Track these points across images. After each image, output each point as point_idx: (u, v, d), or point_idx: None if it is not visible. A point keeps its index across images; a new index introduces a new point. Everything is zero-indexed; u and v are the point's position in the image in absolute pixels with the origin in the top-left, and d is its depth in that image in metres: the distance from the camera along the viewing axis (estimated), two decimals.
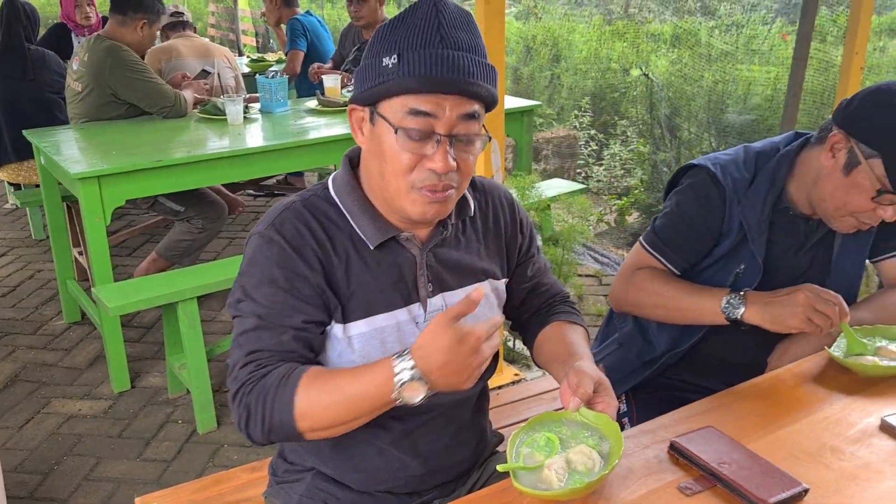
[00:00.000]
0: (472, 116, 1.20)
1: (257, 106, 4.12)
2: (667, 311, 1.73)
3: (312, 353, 1.26)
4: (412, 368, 1.10)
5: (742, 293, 1.61)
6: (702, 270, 1.77)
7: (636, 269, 1.78)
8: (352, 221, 1.30)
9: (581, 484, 1.14)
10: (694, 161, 1.79)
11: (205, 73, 4.32)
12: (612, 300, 1.86)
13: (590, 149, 7.18)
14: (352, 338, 1.28)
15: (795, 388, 1.52)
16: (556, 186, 4.11)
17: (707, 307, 1.64)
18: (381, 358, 1.28)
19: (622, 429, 1.65)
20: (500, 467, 1.15)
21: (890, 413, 1.38)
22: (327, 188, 1.34)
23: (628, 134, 6.78)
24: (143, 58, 4.01)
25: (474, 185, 1.45)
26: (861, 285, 1.81)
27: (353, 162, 1.36)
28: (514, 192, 2.51)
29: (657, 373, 1.86)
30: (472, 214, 1.40)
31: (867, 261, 1.79)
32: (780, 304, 1.56)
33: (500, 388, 2.53)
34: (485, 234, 1.43)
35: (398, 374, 1.10)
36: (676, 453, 1.30)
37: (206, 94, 4.20)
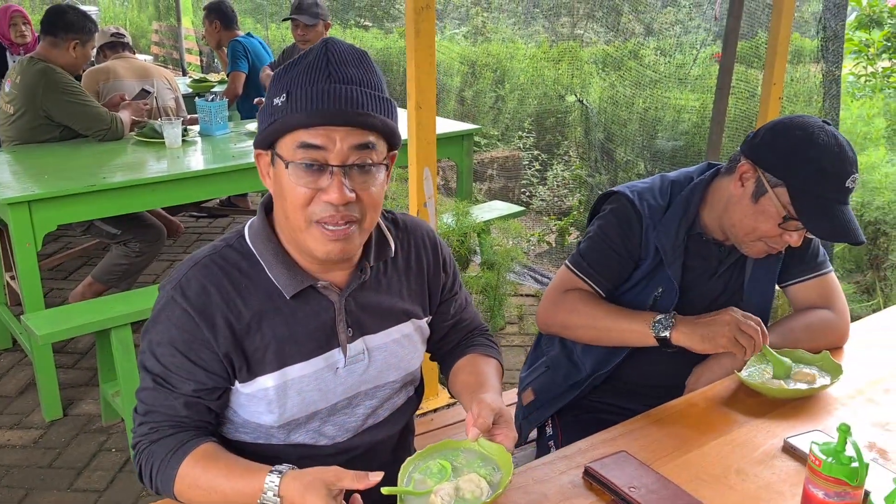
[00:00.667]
0: (366, 147, 1.20)
1: (197, 128, 4.10)
2: (597, 331, 1.77)
3: (207, 415, 1.29)
4: (276, 496, 1.14)
5: (671, 315, 1.68)
6: (623, 293, 1.84)
7: (564, 291, 1.83)
8: (267, 271, 1.29)
9: None
10: (614, 188, 1.87)
11: (144, 93, 4.29)
12: (540, 322, 1.90)
13: (533, 169, 7.30)
14: (266, 391, 1.29)
15: (707, 412, 1.59)
16: (496, 208, 4.17)
17: (636, 328, 1.71)
18: (298, 408, 1.31)
19: (548, 451, 1.70)
20: (384, 490, 1.16)
21: (793, 434, 1.46)
22: (243, 237, 1.33)
23: (570, 155, 6.92)
24: (78, 78, 3.96)
25: (396, 225, 1.46)
26: (771, 310, 1.90)
27: (268, 209, 1.35)
28: (450, 218, 2.55)
29: (582, 395, 1.92)
30: (394, 255, 1.42)
31: (777, 286, 1.89)
32: (707, 325, 1.63)
33: (434, 411, 2.56)
34: (406, 274, 1.45)
35: (265, 493, 1.14)
36: (590, 478, 1.35)
37: (146, 115, 4.17)
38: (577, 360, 1.92)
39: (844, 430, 1.07)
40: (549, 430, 1.96)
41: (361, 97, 1.19)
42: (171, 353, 1.25)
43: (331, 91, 1.17)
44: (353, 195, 1.21)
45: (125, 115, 3.96)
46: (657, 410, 1.60)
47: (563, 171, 6.80)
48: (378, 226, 1.40)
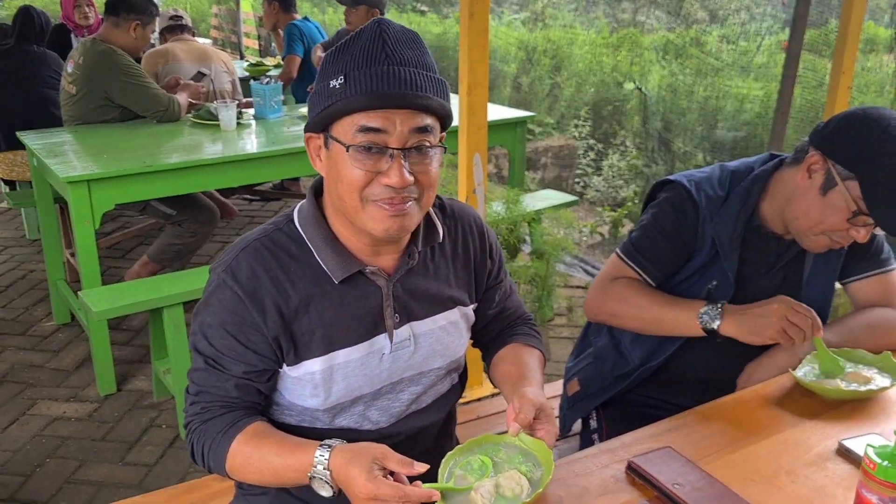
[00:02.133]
0: (424, 130, 1.19)
1: (251, 111, 4.14)
2: (643, 321, 1.74)
3: (257, 397, 1.30)
4: (325, 469, 1.14)
5: (719, 305, 1.63)
6: (675, 285, 1.79)
7: (612, 279, 1.79)
8: (316, 255, 1.29)
9: None
10: (670, 177, 1.82)
11: (200, 76, 4.35)
12: (587, 310, 1.87)
13: (588, 159, 7.20)
14: (313, 374, 1.29)
15: (758, 410, 1.53)
16: (548, 198, 4.12)
17: (683, 317, 1.67)
18: (344, 392, 1.30)
19: (591, 444, 1.66)
20: (425, 486, 1.14)
21: (848, 437, 1.39)
22: (292, 220, 1.33)
23: (627, 145, 6.80)
24: (138, 60, 4.04)
25: (443, 211, 1.44)
26: (831, 307, 1.82)
27: (318, 192, 1.35)
28: (500, 206, 2.52)
29: (629, 388, 1.87)
30: (441, 241, 1.40)
31: (837, 283, 1.81)
32: (755, 315, 1.59)
33: (478, 400, 2.54)
34: (454, 261, 1.43)
35: (314, 466, 1.15)
36: (633, 473, 1.31)
37: (202, 97, 4.23)
38: (626, 351, 1.88)
39: None
40: (593, 423, 1.92)
41: (419, 79, 1.18)
42: (221, 336, 1.25)
43: (390, 73, 1.16)
44: (411, 178, 1.20)
45: (182, 98, 4.03)
46: (706, 407, 1.55)
47: (618, 161, 6.69)
48: (427, 211, 1.38)
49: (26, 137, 3.61)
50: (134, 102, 3.82)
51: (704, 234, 1.73)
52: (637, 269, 1.78)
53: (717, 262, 1.72)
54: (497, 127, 4.09)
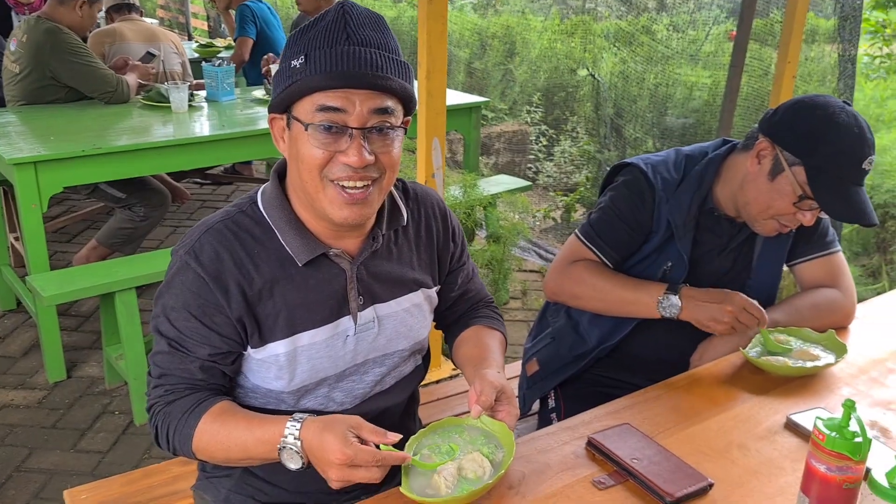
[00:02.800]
0: (384, 111, 1.20)
1: (203, 93, 4.07)
2: (604, 303, 1.79)
3: (222, 379, 1.29)
4: (296, 440, 1.13)
5: (677, 291, 1.69)
6: (632, 266, 1.84)
7: (572, 261, 1.84)
8: (280, 238, 1.29)
9: (465, 492, 1.17)
10: (628, 160, 1.86)
11: (150, 57, 4.26)
12: (548, 290, 1.91)
13: (540, 144, 7.26)
14: (277, 357, 1.29)
15: (710, 387, 1.58)
16: (503, 182, 4.15)
17: (643, 302, 1.73)
18: (308, 374, 1.31)
19: (550, 423, 1.70)
20: (413, 461, 1.17)
21: (796, 412, 1.46)
22: (255, 203, 1.32)
23: (578, 131, 6.87)
24: (84, 40, 3.93)
25: (407, 194, 1.45)
26: (778, 288, 1.89)
27: (281, 175, 1.35)
28: (457, 190, 2.54)
29: (587, 367, 1.92)
30: (405, 224, 1.41)
31: (784, 265, 1.88)
32: (710, 311, 1.65)
33: (437, 382, 2.57)
34: (417, 244, 1.44)
35: (285, 437, 1.14)
36: (593, 449, 1.35)
37: (152, 78, 4.14)
38: (583, 331, 1.93)
39: (849, 406, 1.06)
40: (551, 402, 1.96)
41: (381, 60, 1.18)
42: (185, 318, 1.25)
43: (350, 53, 1.16)
44: (371, 158, 1.20)
45: (131, 79, 3.94)
46: (661, 385, 1.60)
47: (570, 146, 6.76)
48: (390, 194, 1.39)
49: None
50: (81, 83, 3.73)
51: (660, 216, 1.78)
52: (595, 251, 1.82)
53: (672, 244, 1.78)
54: (452, 112, 4.08)
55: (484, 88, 8.09)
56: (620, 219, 1.80)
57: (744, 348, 1.65)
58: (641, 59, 4.26)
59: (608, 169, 1.93)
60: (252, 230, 1.29)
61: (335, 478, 1.10)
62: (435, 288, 1.49)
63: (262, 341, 1.28)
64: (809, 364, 1.61)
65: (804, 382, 1.60)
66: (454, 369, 2.62)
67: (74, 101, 3.80)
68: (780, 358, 1.62)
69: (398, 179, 1.46)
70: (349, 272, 1.33)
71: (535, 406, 2.04)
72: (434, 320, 1.61)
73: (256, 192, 1.35)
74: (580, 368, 1.91)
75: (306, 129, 1.18)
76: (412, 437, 1.27)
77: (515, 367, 2.29)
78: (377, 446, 1.14)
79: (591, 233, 1.83)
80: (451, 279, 1.53)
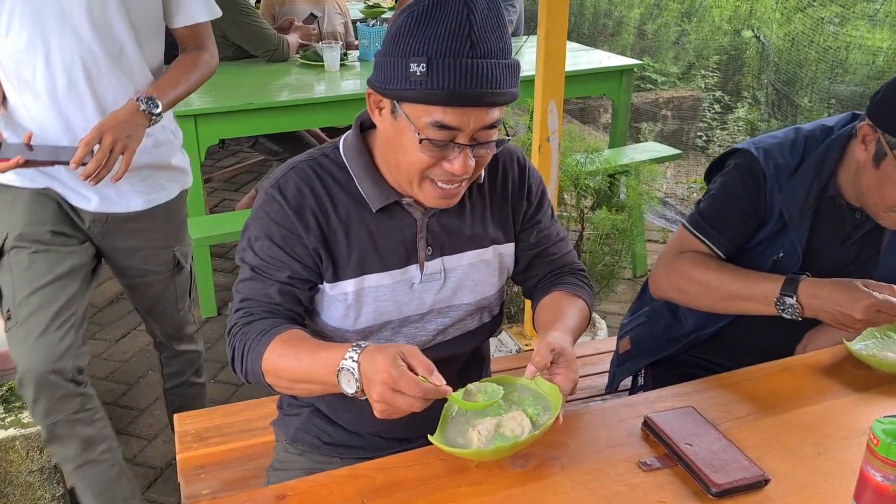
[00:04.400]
0: (493, 126, 1.22)
1: (357, 53, 4.21)
2: (713, 300, 1.63)
3: (298, 307, 1.34)
4: (354, 363, 1.13)
5: (795, 290, 1.50)
6: (741, 254, 1.69)
7: (679, 254, 1.70)
8: (357, 183, 1.34)
9: (492, 448, 1.15)
10: (738, 145, 1.70)
11: (312, 18, 4.45)
12: (653, 287, 1.75)
13: (713, 112, 6.86)
14: (346, 295, 1.34)
15: (801, 378, 1.46)
16: (650, 150, 3.98)
17: (759, 300, 1.55)
18: (373, 315, 1.35)
19: None
20: (450, 397, 1.14)
21: (890, 415, 1.31)
22: (338, 148, 1.38)
23: (758, 98, 6.41)
24: (258, 3, 4.19)
25: None
26: None
27: (365, 125, 1.38)
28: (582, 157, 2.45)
29: (681, 351, 1.82)
30: (482, 181, 1.42)
31: None
32: (838, 306, 1.45)
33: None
34: (492, 199, 1.44)
35: (344, 359, 1.14)
36: (648, 429, 1.29)
37: (313, 38, 4.34)
38: (682, 314, 1.81)
39: None
40: (640, 381, 1.89)
41: (501, 74, 1.18)
42: (268, 246, 1.32)
43: (474, 69, 1.15)
44: (473, 164, 1.24)
45: (293, 38, 4.15)
46: (746, 371, 1.49)
47: (746, 114, 6.33)
48: None
49: None
50: (246, 41, 3.98)
51: (773, 203, 1.61)
52: (706, 241, 1.66)
53: (786, 233, 1.61)
54: (600, 75, 3.98)
55: (655, 51, 7.73)
56: (733, 204, 1.64)
57: (849, 340, 1.50)
58: (811, 20, 3.87)
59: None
60: (333, 172, 1.35)
61: (377, 397, 1.10)
62: (509, 244, 1.47)
63: (335, 278, 1.34)
64: None
65: None
66: None
67: (241, 58, 4.07)
68: (890, 354, 1.46)
69: None
70: (420, 222, 1.36)
71: (626, 383, 1.97)
72: (517, 282, 1.60)
73: (340, 140, 1.40)
74: (672, 352, 1.81)
75: (419, 141, 1.20)
76: (475, 382, 1.26)
77: (612, 342, 2.21)
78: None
79: (700, 222, 1.68)
80: (524, 237, 1.50)
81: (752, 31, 4.80)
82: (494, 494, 1.15)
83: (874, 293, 1.44)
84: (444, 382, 1.11)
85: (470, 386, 1.24)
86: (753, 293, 1.56)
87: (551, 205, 1.57)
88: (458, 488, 1.17)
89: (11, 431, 1.94)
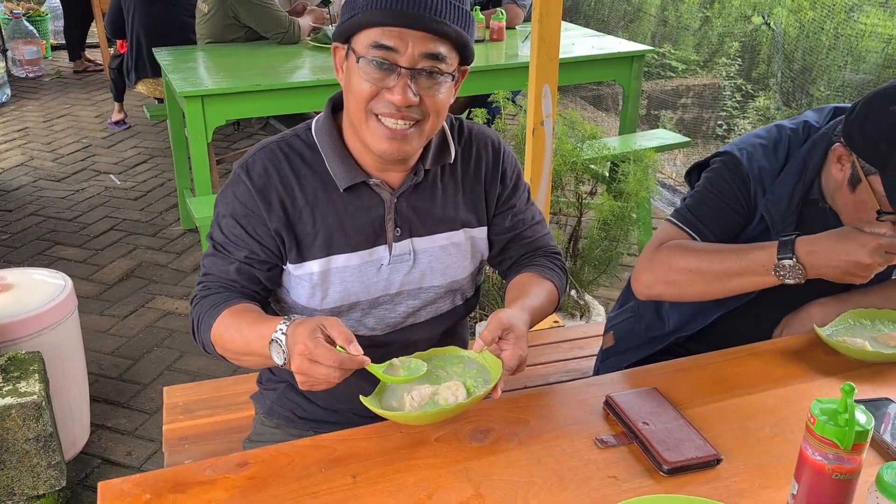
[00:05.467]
0: (436, 56, 1.23)
1: None
2: (706, 283, 1.53)
3: (255, 285, 1.37)
4: (282, 335, 1.17)
5: (792, 251, 1.43)
6: None
7: (660, 246, 1.62)
8: (326, 162, 1.36)
9: (414, 413, 1.18)
10: (722, 149, 1.66)
11: (325, 3, 4.48)
12: (637, 286, 1.64)
13: (734, 100, 6.78)
14: (311, 275, 1.37)
15: (769, 362, 1.46)
16: (658, 137, 3.96)
17: (757, 263, 1.47)
18: (340, 296, 1.37)
19: None
20: (368, 367, 1.17)
21: (860, 399, 1.31)
22: (310, 129, 1.40)
23: (771, 86, 6.32)
24: None
25: (461, 132, 1.46)
26: None
27: (337, 106, 1.40)
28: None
29: (663, 350, 1.76)
30: (453, 162, 1.43)
31: None
32: (842, 258, 1.39)
33: (540, 331, 2.56)
34: (464, 182, 1.45)
35: (274, 333, 1.18)
36: (608, 408, 1.31)
37: (326, 21, 4.36)
38: (664, 313, 1.76)
39: (847, 391, 0.95)
40: None
41: (441, 4, 1.21)
42: (232, 225, 1.36)
43: None
44: (416, 98, 1.24)
45: (305, 21, 4.18)
46: (715, 354, 1.50)
47: (767, 102, 6.25)
48: (441, 131, 1.41)
49: (159, 54, 3.90)
50: (257, 23, 4.01)
51: (757, 206, 1.58)
52: (690, 232, 1.61)
53: (769, 235, 1.57)
54: (610, 61, 3.96)
55: (677, 39, 7.65)
56: (719, 198, 1.60)
57: (821, 325, 1.50)
58: (821, 6, 3.80)
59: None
60: (302, 152, 1.37)
61: (295, 368, 1.13)
62: (481, 228, 1.49)
63: (300, 258, 1.37)
64: (890, 350, 1.43)
65: (883, 370, 1.43)
66: (556, 321, 2.60)
67: (252, 40, 4.11)
68: (859, 340, 1.46)
69: (455, 118, 1.49)
70: (388, 203, 1.38)
71: None
72: (492, 266, 1.61)
73: (313, 121, 1.42)
74: (654, 352, 1.77)
75: (358, 62, 1.24)
76: (403, 357, 1.28)
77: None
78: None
79: (688, 216, 1.61)
80: (499, 221, 1.51)
81: (763, 17, 4.73)
82: (450, 466, 1.18)
83: (877, 233, 1.38)
84: (362, 352, 1.14)
85: (394, 360, 1.26)
86: (748, 265, 1.48)
87: (528, 188, 1.57)
88: (416, 460, 1.19)
89: (8, 400, 2.00)
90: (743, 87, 6.83)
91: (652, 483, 1.15)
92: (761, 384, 1.40)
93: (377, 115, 1.26)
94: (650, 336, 1.80)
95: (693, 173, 1.74)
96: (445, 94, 1.28)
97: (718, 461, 1.18)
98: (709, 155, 1.72)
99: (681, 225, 1.63)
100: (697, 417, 1.29)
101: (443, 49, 1.24)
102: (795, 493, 1.04)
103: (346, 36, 1.28)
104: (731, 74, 6.94)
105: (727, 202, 1.60)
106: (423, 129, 1.30)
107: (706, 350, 1.71)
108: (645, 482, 1.15)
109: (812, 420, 0.97)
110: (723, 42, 7.03)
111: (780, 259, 1.44)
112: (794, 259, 1.43)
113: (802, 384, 1.40)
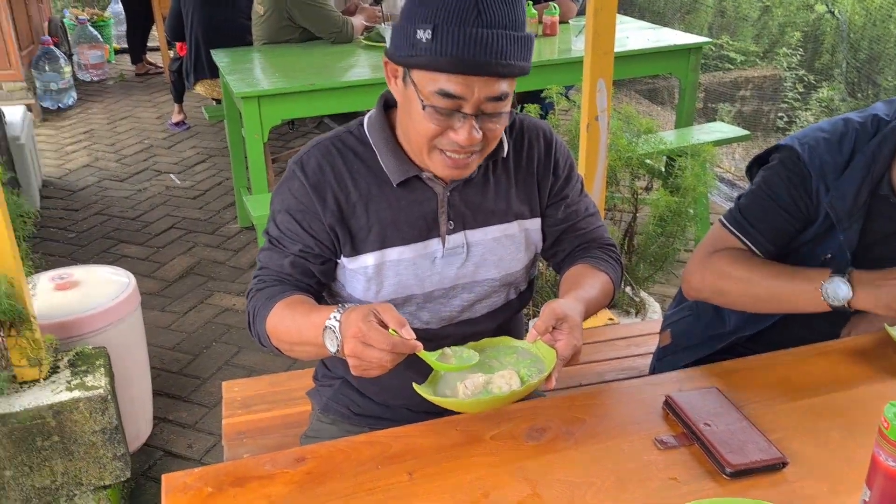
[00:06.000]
0: (499, 98, 1.23)
1: None
2: (754, 298, 1.54)
3: (309, 279, 1.38)
4: (336, 322, 1.18)
5: (846, 275, 1.42)
6: (785, 255, 1.60)
7: (714, 251, 1.60)
8: (379, 158, 1.37)
9: (467, 400, 1.17)
10: (782, 141, 1.62)
11: (378, 1, 4.50)
12: (687, 289, 1.64)
13: (795, 92, 6.60)
14: (366, 268, 1.37)
15: (837, 363, 1.42)
16: (716, 130, 3.87)
17: (802, 291, 1.46)
18: (395, 289, 1.38)
19: None
20: (420, 353, 1.17)
21: None
22: (362, 125, 1.41)
23: (835, 76, 6.12)
24: None
25: (512, 126, 1.46)
26: None
27: (389, 103, 1.41)
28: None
29: (722, 350, 1.72)
30: (506, 155, 1.43)
31: None
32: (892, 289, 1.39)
33: (595, 328, 2.53)
34: (516, 174, 1.45)
35: (328, 320, 1.19)
36: (668, 408, 1.28)
37: (378, 20, 4.39)
38: (725, 312, 1.71)
39: None
40: None
41: (505, 43, 1.18)
42: (287, 220, 1.37)
43: (479, 38, 1.16)
44: (479, 136, 1.25)
45: (357, 21, 4.20)
46: (779, 353, 1.46)
47: (830, 94, 6.06)
48: None
49: (217, 55, 3.97)
50: (311, 23, 4.06)
51: (820, 203, 1.51)
52: (744, 239, 1.57)
53: (834, 233, 1.51)
54: (666, 53, 3.89)
55: (735, 30, 7.47)
56: (775, 202, 1.54)
57: (889, 325, 1.44)
58: None
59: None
60: (355, 148, 1.39)
61: (348, 351, 1.14)
62: (534, 219, 1.48)
63: (354, 252, 1.38)
64: None
65: None
66: (610, 318, 2.56)
67: (307, 40, 4.15)
68: None
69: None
70: (441, 196, 1.38)
71: None
72: (545, 258, 1.60)
73: (365, 117, 1.43)
74: (712, 351, 1.73)
75: (424, 109, 1.23)
76: (455, 346, 1.27)
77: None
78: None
79: (739, 219, 1.58)
80: (551, 212, 1.49)
81: (826, 5, 4.58)
82: (506, 465, 1.17)
83: None
84: (415, 337, 1.14)
85: (446, 349, 1.25)
86: (798, 284, 1.46)
87: (581, 179, 1.55)
88: (471, 458, 1.19)
89: (76, 394, 2.06)
90: (805, 78, 6.64)
91: (714, 486, 1.12)
92: (829, 385, 1.35)
93: (440, 150, 1.28)
94: (709, 335, 1.75)
95: (754, 167, 1.69)
96: (504, 122, 1.29)
97: (784, 464, 1.15)
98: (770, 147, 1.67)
99: (732, 228, 1.59)
100: (760, 418, 1.25)
101: (506, 86, 1.23)
102: (867, 499, 1.00)
103: (405, 65, 1.25)
104: (793, 65, 6.75)
105: (782, 205, 1.54)
106: (483, 154, 1.32)
107: (766, 351, 1.68)
108: (707, 485, 1.13)
109: (886, 424, 0.93)
110: (784, 32, 6.85)
111: (828, 284, 1.43)
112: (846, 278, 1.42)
113: (873, 385, 1.35)
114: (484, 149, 1.30)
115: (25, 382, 2.08)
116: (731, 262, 1.55)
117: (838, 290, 1.41)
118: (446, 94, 1.20)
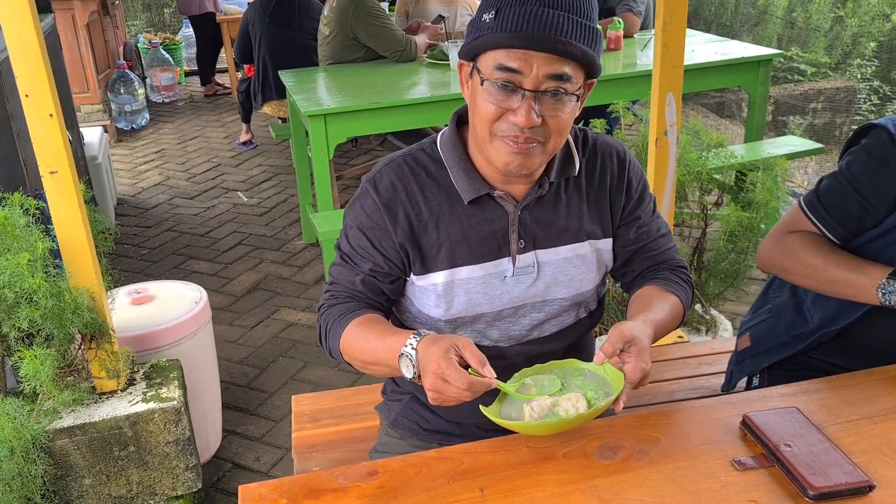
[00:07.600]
0: (561, 77, 1.22)
1: None
2: (816, 282, 1.57)
3: (379, 297, 1.40)
4: (412, 350, 1.20)
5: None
6: (867, 242, 1.56)
7: (788, 232, 1.63)
8: (451, 175, 1.38)
9: (533, 423, 1.16)
10: (875, 121, 1.59)
11: (440, 19, 4.54)
12: (759, 260, 1.71)
13: (869, 103, 6.40)
14: (436, 286, 1.38)
15: None
16: (787, 144, 3.78)
17: (860, 284, 1.47)
18: (464, 307, 1.39)
19: None
20: (499, 385, 1.20)
21: None
22: (435, 143, 1.43)
23: None
24: (393, 2, 4.33)
25: (585, 143, 1.45)
26: None
27: (462, 120, 1.42)
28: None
29: (804, 350, 1.71)
30: (577, 174, 1.42)
31: None
32: None
33: (664, 346, 2.48)
34: (588, 193, 1.44)
35: (405, 345, 1.21)
36: (746, 428, 1.25)
37: (440, 38, 4.43)
38: (806, 311, 1.69)
39: None
40: (755, 381, 1.80)
41: (567, 24, 1.20)
42: (358, 237, 1.39)
43: (537, 14, 1.19)
44: (539, 119, 1.25)
45: (420, 39, 4.25)
46: (863, 372, 1.41)
47: None
48: (566, 143, 1.40)
49: (284, 76, 4.06)
50: (376, 43, 4.12)
51: None
52: (818, 224, 1.57)
53: None
54: (734, 66, 3.81)
55: (805, 41, 7.30)
56: (854, 188, 1.53)
57: None
58: None
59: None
60: (428, 166, 1.40)
61: (428, 386, 1.16)
62: (606, 240, 1.46)
63: (425, 269, 1.39)
64: None
65: None
66: (680, 336, 2.50)
67: (371, 59, 4.22)
68: None
69: (580, 129, 1.48)
70: (512, 215, 1.38)
71: (742, 384, 1.89)
72: (615, 278, 1.58)
73: (438, 135, 1.44)
74: (794, 352, 1.70)
75: (482, 84, 1.25)
76: (524, 369, 1.28)
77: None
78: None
79: (815, 202, 1.58)
80: (623, 232, 1.48)
81: None
82: (577, 483, 1.15)
83: None
84: (495, 375, 1.16)
85: (527, 380, 1.26)
86: (857, 277, 1.48)
87: (653, 199, 1.53)
88: (542, 476, 1.18)
89: (151, 405, 2.12)
90: (880, 90, 6.44)
91: None
92: None
93: (501, 136, 1.27)
94: (791, 335, 1.72)
95: (846, 150, 1.65)
96: (569, 113, 1.28)
97: (871, 488, 1.10)
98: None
99: (808, 213, 1.59)
100: (844, 441, 1.21)
101: (568, 69, 1.23)
102: None
103: (471, 55, 1.29)
104: (867, 76, 6.56)
105: (861, 192, 1.52)
106: (546, 148, 1.30)
107: (845, 356, 1.63)
108: None
109: None
110: (857, 42, 6.66)
111: (889, 279, 1.42)
112: None
113: None
114: (546, 142, 1.28)
115: (104, 393, 2.15)
116: (802, 246, 1.57)
117: (893, 294, 1.41)
118: (504, 68, 1.22)
